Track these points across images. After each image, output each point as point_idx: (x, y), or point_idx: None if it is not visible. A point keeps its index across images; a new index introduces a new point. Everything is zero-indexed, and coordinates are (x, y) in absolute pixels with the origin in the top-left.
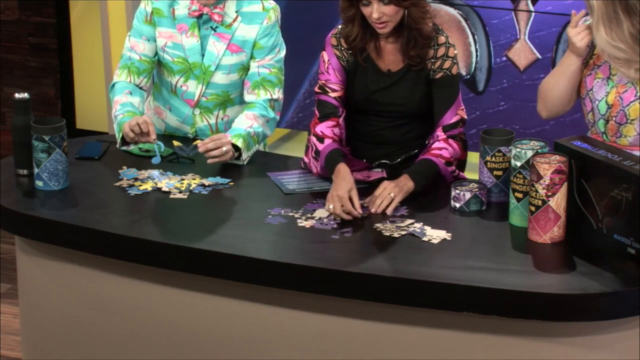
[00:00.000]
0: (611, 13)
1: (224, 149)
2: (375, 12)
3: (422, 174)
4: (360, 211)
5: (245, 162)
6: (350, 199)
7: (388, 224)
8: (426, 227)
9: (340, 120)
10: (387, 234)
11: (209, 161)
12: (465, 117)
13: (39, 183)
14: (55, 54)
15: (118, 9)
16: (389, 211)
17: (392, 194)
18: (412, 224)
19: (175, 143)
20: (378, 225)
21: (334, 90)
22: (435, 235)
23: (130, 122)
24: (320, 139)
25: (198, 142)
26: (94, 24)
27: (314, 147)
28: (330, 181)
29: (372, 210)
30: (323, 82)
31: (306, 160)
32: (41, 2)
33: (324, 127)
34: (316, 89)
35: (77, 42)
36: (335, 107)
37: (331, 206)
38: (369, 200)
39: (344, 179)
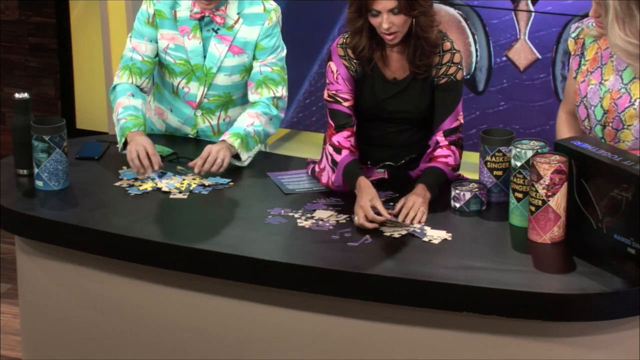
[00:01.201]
0: (625, 10)
1: (219, 160)
2: (385, 22)
3: (436, 183)
4: (388, 215)
5: (246, 164)
6: (375, 208)
7: (389, 221)
8: (426, 227)
9: (354, 129)
10: (387, 234)
11: (213, 171)
12: (462, 121)
13: (39, 183)
14: (55, 54)
15: (118, 9)
16: (423, 221)
17: (422, 208)
18: (412, 224)
19: (179, 167)
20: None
21: (345, 100)
22: (435, 235)
23: (138, 152)
24: (338, 150)
25: (193, 162)
26: (94, 24)
27: (330, 157)
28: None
29: (407, 222)
30: (333, 92)
31: (317, 169)
32: (41, 2)
33: (341, 138)
34: (326, 98)
35: (77, 42)
36: (349, 116)
37: (356, 218)
38: (395, 212)
39: (365, 190)
